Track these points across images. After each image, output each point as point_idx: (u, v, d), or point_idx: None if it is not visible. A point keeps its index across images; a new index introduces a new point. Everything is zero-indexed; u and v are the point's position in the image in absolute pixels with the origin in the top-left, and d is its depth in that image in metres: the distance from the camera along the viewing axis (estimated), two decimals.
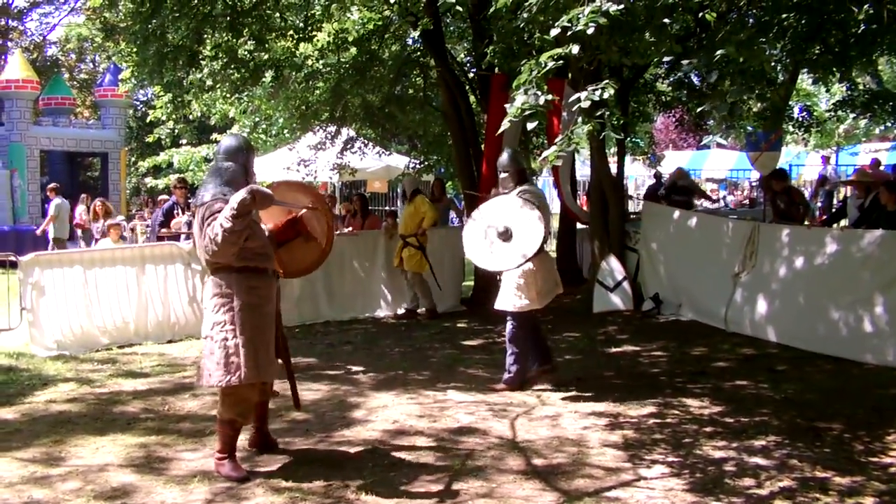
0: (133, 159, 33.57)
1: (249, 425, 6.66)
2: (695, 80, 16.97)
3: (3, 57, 38.80)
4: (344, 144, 18.14)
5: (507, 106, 6.10)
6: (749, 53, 6.93)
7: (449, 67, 14.88)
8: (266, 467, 6.40)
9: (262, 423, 6.78)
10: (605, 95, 5.92)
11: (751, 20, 10.85)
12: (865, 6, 10.21)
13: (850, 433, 7.03)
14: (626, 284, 12.98)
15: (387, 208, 25.42)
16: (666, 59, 7.59)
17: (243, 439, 6.59)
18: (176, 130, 18.24)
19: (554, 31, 5.93)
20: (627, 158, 22.07)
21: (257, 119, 24.12)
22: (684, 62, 7.46)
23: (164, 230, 13.64)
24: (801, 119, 19.32)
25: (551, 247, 15.69)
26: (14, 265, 12.04)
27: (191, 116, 20.25)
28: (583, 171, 22.41)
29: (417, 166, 19.64)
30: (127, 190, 32.19)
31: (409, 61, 17.13)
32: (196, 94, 15.60)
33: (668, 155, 35.75)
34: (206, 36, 13.46)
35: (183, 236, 12.69)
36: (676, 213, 13.52)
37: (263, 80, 15.65)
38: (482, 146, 14.61)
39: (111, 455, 6.68)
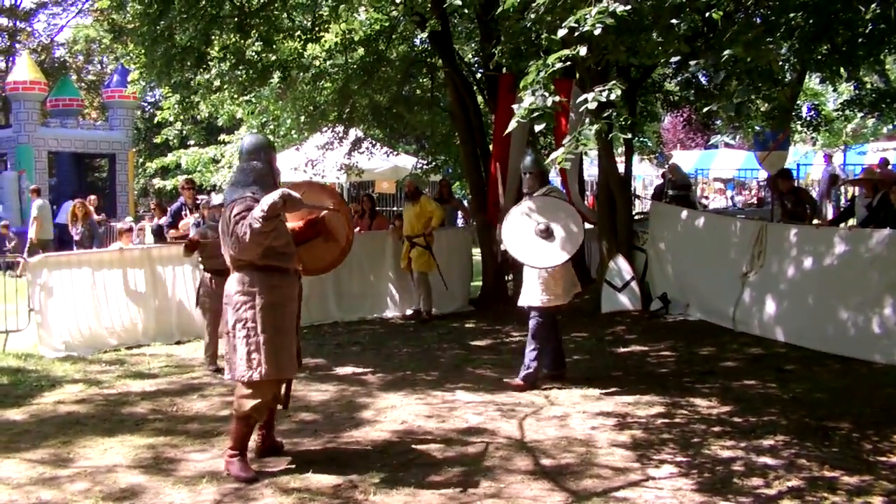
0: (141, 160, 33.61)
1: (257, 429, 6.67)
2: (702, 79, 16.96)
3: (10, 58, 38.94)
4: (351, 145, 18.15)
5: (514, 107, 6.10)
6: (756, 53, 6.92)
7: (456, 68, 14.88)
8: (274, 467, 6.41)
9: (269, 427, 6.78)
10: (613, 96, 5.91)
11: (758, 20, 10.85)
12: (873, 5, 10.19)
13: (858, 433, 7.03)
14: (634, 284, 12.96)
15: (394, 209, 25.39)
16: (673, 59, 7.57)
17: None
18: (184, 131, 18.31)
19: (561, 32, 5.93)
20: (635, 158, 22.06)
21: (265, 119, 24.11)
22: (692, 62, 7.45)
23: (172, 231, 13.65)
24: (809, 118, 19.28)
25: None
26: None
27: (199, 117, 20.31)
28: (590, 170, 22.41)
29: (425, 167, 19.64)
30: (135, 191, 32.25)
31: (416, 62, 17.13)
32: (204, 95, 15.61)
33: (675, 154, 35.74)
34: (213, 37, 13.46)
35: (191, 236, 12.68)
36: (684, 213, 13.53)
37: (271, 80, 15.64)
38: (490, 146, 14.62)
39: (119, 456, 6.69)
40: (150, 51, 13.12)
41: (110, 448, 6.90)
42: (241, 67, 14.23)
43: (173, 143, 27.59)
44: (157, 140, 27.33)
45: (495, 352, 10.93)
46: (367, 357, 10.55)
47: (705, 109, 8.89)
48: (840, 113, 21.88)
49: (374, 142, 19.52)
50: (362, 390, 8.81)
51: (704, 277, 12.42)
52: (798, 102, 18.78)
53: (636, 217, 15.17)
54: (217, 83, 14.70)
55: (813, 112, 19.42)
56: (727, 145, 39.50)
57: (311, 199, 6.79)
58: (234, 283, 6.22)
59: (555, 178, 25.84)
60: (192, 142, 27.75)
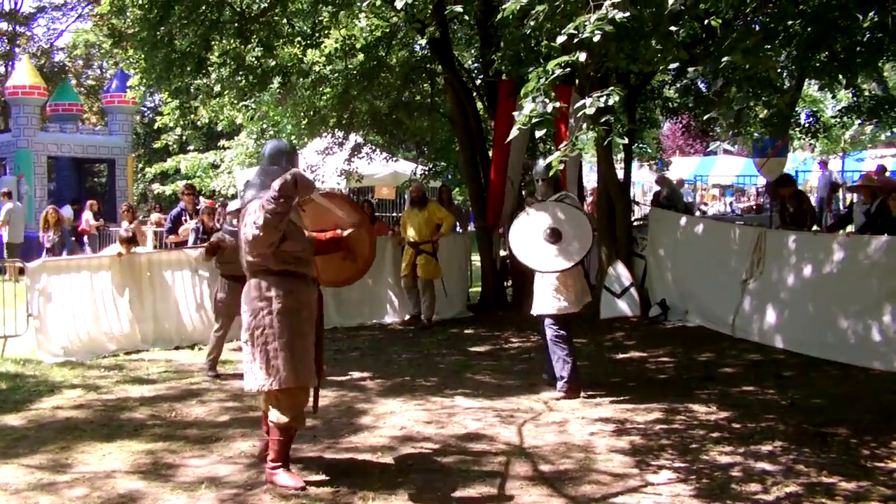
0: (140, 165, 33.64)
1: (263, 434, 6.67)
2: (702, 86, 16.98)
3: (10, 63, 38.96)
4: (351, 150, 18.18)
5: (515, 114, 6.11)
6: (755, 60, 6.94)
7: (456, 74, 14.90)
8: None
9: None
10: (611, 102, 5.93)
11: (757, 27, 10.87)
12: (871, 13, 10.22)
13: (856, 438, 7.04)
14: (633, 290, 12.97)
15: (394, 214, 25.40)
16: (672, 65, 7.59)
17: (241, 449, 6.59)
18: (183, 136, 18.32)
19: (561, 39, 5.94)
20: (635, 164, 22.08)
21: (265, 125, 24.14)
22: (690, 69, 7.47)
23: (171, 237, 13.67)
24: (807, 125, 19.31)
25: None
26: (21, 271, 12.07)
27: (198, 123, 20.32)
28: (590, 176, 22.43)
29: (425, 172, 19.67)
30: (134, 196, 32.25)
31: (416, 68, 17.15)
32: (204, 100, 15.64)
33: (675, 161, 35.80)
34: (213, 42, 13.50)
35: (190, 242, 12.70)
36: (683, 220, 13.56)
37: (271, 86, 15.66)
38: (489, 152, 14.64)
39: (118, 462, 6.69)
40: (150, 56, 13.16)
41: (109, 454, 6.90)
42: (241, 73, 14.26)
43: (173, 149, 27.65)
44: (157, 145, 27.41)
45: (494, 358, 10.93)
46: (367, 363, 10.56)
47: (705, 116, 8.92)
48: (838, 120, 21.91)
49: (373, 147, 19.54)
50: (361, 396, 8.82)
51: (703, 284, 12.44)
52: (797, 109, 18.80)
53: (635, 223, 15.20)
54: (217, 88, 14.74)
55: (811, 119, 19.44)
56: (726, 152, 39.61)
57: (334, 204, 6.87)
58: (251, 289, 6.19)
59: None
60: (191, 147, 27.78)
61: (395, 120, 17.96)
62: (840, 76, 11.90)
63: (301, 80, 16.06)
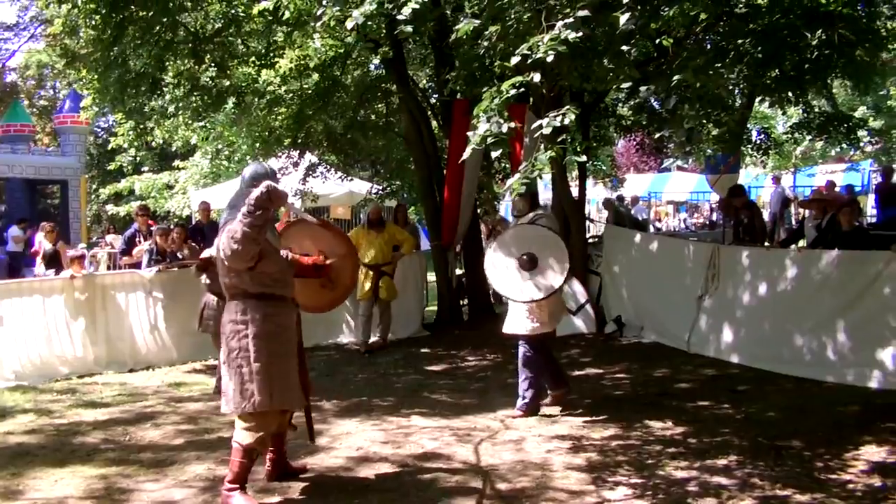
0: (94, 186, 33.40)
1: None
2: (655, 104, 17.14)
3: None
4: (306, 170, 18.13)
5: (469, 133, 6.13)
6: (706, 79, 7.05)
7: (411, 93, 14.94)
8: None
9: (279, 454, 6.73)
10: (566, 121, 5.97)
11: (708, 46, 11.01)
12: (819, 31, 10.38)
13: (810, 451, 7.11)
14: (588, 307, 13.01)
15: (348, 234, 25.30)
16: (625, 84, 7.66)
17: (196, 472, 6.54)
18: (137, 157, 18.20)
19: (514, 59, 5.98)
20: (589, 181, 22.18)
21: (220, 146, 24.05)
22: (643, 88, 7.55)
23: (125, 258, 13.55)
24: (759, 142, 19.52)
25: None
26: None
27: (153, 143, 20.23)
28: (545, 194, 22.50)
29: (380, 192, 19.67)
30: (87, 217, 32.00)
31: (371, 87, 17.16)
32: (158, 121, 15.57)
33: (629, 178, 36.05)
34: (168, 63, 13.44)
35: (143, 263, 12.60)
36: (638, 237, 13.65)
37: (226, 106, 15.63)
38: (445, 171, 14.66)
39: (70, 487, 6.61)
40: (104, 76, 13.07)
41: (61, 479, 6.81)
42: (195, 93, 14.21)
43: (127, 170, 27.50)
44: (111, 166, 27.24)
45: (451, 376, 10.93)
46: (323, 383, 10.49)
47: (657, 134, 9.01)
48: (789, 136, 22.17)
49: (328, 167, 19.51)
50: (317, 417, 8.72)
51: (659, 300, 12.52)
52: (748, 126, 19.03)
53: (590, 240, 15.27)
54: (171, 109, 14.66)
55: (763, 135, 19.64)
56: (680, 168, 39.90)
57: (321, 242, 6.94)
58: (228, 312, 6.17)
59: (510, 202, 26.00)
60: (145, 168, 27.66)
61: (350, 139, 17.93)
62: (790, 93, 12.09)
63: (256, 100, 16.03)
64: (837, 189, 20.93)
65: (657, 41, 6.88)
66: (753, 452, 7.11)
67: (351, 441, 7.84)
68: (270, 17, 12.67)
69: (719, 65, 8.61)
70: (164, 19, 12.16)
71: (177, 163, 27.66)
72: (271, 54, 14.89)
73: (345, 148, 18.67)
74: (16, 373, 10.80)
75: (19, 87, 43.54)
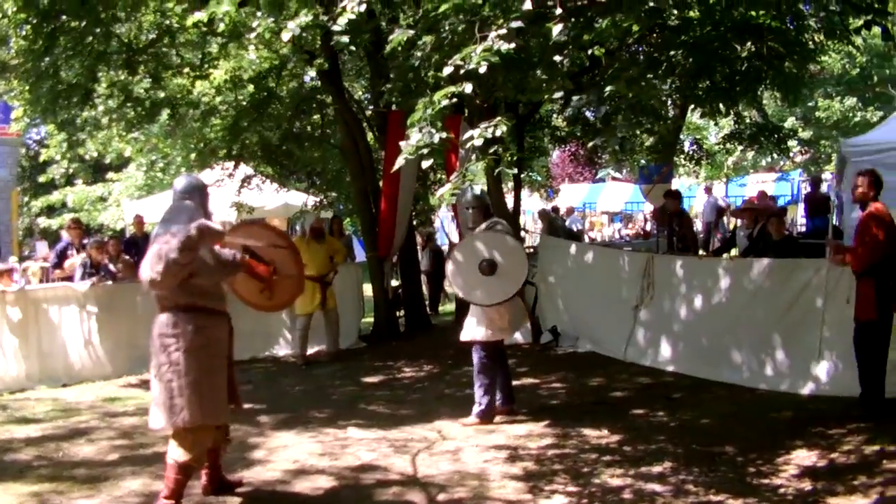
0: (26, 199, 32.86)
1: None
2: (589, 115, 17.31)
3: None
4: (242, 181, 18.04)
5: (402, 143, 6.13)
6: (639, 89, 7.11)
7: (347, 105, 14.95)
8: None
9: (214, 467, 6.65)
10: (499, 132, 6.00)
11: (641, 57, 11.14)
12: (748, 43, 10.56)
13: (742, 456, 7.20)
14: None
15: None
16: (558, 95, 7.71)
17: (131, 488, 6.47)
18: (70, 169, 17.92)
19: (447, 70, 6.00)
20: (525, 192, 22.30)
21: (154, 157, 23.82)
22: (576, 98, 7.61)
23: (57, 271, 13.36)
24: (691, 152, 19.80)
25: None
26: None
27: (86, 156, 19.96)
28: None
29: (316, 203, 19.62)
30: (19, 231, 31.46)
31: (306, 98, 17.13)
32: (91, 132, 15.40)
33: (564, 188, 36.30)
34: (100, 74, 13.28)
35: (77, 277, 12.44)
36: (573, 247, 13.73)
37: (160, 117, 15.49)
38: (380, 183, 14.67)
39: None
40: (35, 87, 12.87)
41: None
42: (128, 104, 14.09)
43: (59, 182, 27.07)
44: (43, 179, 26.80)
45: (388, 388, 10.93)
46: (259, 395, 10.43)
47: (590, 144, 9.09)
48: (721, 146, 22.54)
49: (264, 178, 19.43)
50: (254, 430, 8.72)
51: (594, 310, 12.60)
52: (681, 137, 19.30)
53: (525, 251, 15.34)
54: (104, 120, 14.52)
55: (695, 146, 19.97)
56: (614, 178, 40.29)
57: (253, 237, 6.91)
58: (158, 326, 6.08)
59: (447, 214, 26.11)
60: (78, 180, 27.29)
61: (285, 151, 17.89)
62: (721, 104, 12.27)
63: (190, 111, 15.92)
64: (768, 199, 21.25)
65: (590, 52, 6.94)
66: (688, 459, 7.18)
67: (287, 454, 7.79)
68: (205, 29, 12.63)
69: (651, 76, 8.70)
70: (97, 30, 12.02)
71: (110, 175, 27.35)
72: (206, 65, 14.81)
73: (280, 159, 18.63)
74: None
75: None
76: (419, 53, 7.43)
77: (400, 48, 7.11)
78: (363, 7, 6.42)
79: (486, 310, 8.61)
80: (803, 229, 20.60)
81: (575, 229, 22.96)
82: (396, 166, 6.55)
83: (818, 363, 9.33)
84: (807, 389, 9.37)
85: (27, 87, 13.38)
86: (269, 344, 13.64)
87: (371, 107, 16.67)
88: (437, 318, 17.15)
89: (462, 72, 5.86)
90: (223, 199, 18.14)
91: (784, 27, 11.16)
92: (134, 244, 14.49)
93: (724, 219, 24.08)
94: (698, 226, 24.06)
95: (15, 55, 14.24)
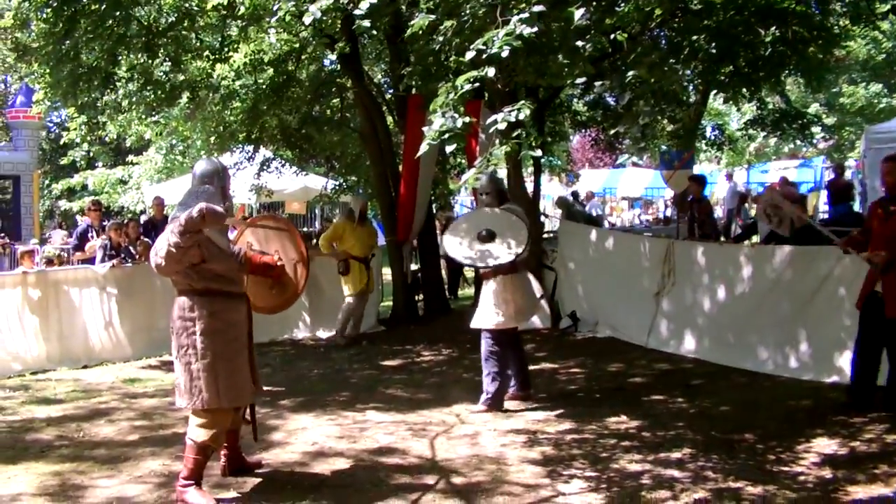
0: (47, 182, 33.03)
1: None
2: (610, 100, 17.21)
3: None
4: (261, 165, 18.06)
5: (425, 129, 6.11)
6: (661, 75, 7.08)
7: (366, 89, 14.91)
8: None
9: (233, 449, 6.68)
10: (521, 116, 5.97)
11: (663, 42, 11.08)
12: (772, 28, 10.48)
13: (762, 444, 7.17)
14: (543, 302, 13.04)
15: (304, 229, 25.26)
16: (580, 80, 7.68)
17: (151, 468, 6.49)
18: (91, 152, 18.03)
19: (469, 54, 5.98)
20: (544, 177, 22.22)
21: (174, 141, 23.89)
22: (597, 83, 7.58)
23: (78, 254, 13.43)
24: (713, 138, 19.68)
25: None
26: None
27: (106, 138, 20.06)
28: None
29: (336, 187, 19.63)
30: (40, 213, 31.64)
31: (326, 82, 17.13)
32: (111, 115, 15.44)
33: (584, 173, 36.22)
34: (120, 57, 13.30)
35: (97, 259, 12.50)
36: (593, 233, 13.69)
37: (179, 101, 15.50)
38: (399, 167, 14.66)
39: (24, 484, 6.53)
40: (56, 70, 12.92)
41: (14, 476, 6.73)
42: (148, 88, 14.10)
43: (80, 165, 27.23)
44: (64, 161, 26.96)
45: (406, 371, 10.93)
46: (278, 378, 10.47)
47: (612, 130, 9.05)
48: (743, 132, 22.40)
49: (283, 162, 19.45)
50: (273, 412, 8.74)
51: (614, 295, 12.57)
52: (702, 122, 19.18)
53: (545, 235, 15.31)
54: (124, 104, 14.56)
55: (717, 132, 19.84)
56: (635, 164, 40.17)
57: (276, 242, 7.00)
58: (177, 308, 6.11)
59: (465, 199, 26.09)
60: (99, 163, 27.41)
61: (304, 135, 17.91)
62: (744, 90, 12.19)
63: (210, 94, 15.93)
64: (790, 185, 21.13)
65: (612, 37, 6.91)
66: (707, 446, 7.16)
67: (306, 436, 7.81)
68: (225, 12, 12.62)
69: (673, 61, 8.68)
70: (117, 13, 12.05)
71: (130, 158, 27.43)
72: (225, 49, 14.81)
73: (299, 143, 18.64)
74: None
75: None
76: (440, 38, 7.39)
77: (421, 32, 7.09)
78: None
79: (494, 297, 8.55)
80: (826, 216, 20.49)
81: (595, 214, 22.88)
82: (421, 152, 6.53)
83: (841, 353, 9.23)
84: (827, 378, 9.31)
85: (48, 70, 13.43)
86: (288, 327, 13.67)
87: (390, 91, 16.63)
88: (456, 303, 17.13)
89: (484, 56, 5.84)
90: (243, 182, 18.21)
91: (809, 11, 11.09)
92: (153, 226, 14.54)
93: (746, 205, 23.99)
94: (719, 212, 23.99)
95: (36, 38, 14.32)
